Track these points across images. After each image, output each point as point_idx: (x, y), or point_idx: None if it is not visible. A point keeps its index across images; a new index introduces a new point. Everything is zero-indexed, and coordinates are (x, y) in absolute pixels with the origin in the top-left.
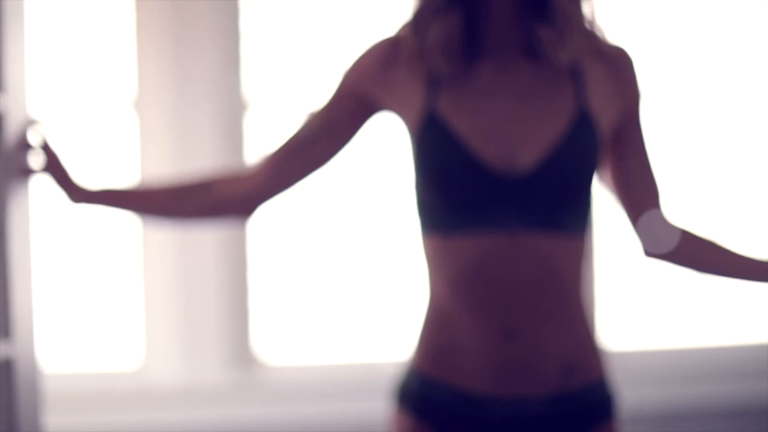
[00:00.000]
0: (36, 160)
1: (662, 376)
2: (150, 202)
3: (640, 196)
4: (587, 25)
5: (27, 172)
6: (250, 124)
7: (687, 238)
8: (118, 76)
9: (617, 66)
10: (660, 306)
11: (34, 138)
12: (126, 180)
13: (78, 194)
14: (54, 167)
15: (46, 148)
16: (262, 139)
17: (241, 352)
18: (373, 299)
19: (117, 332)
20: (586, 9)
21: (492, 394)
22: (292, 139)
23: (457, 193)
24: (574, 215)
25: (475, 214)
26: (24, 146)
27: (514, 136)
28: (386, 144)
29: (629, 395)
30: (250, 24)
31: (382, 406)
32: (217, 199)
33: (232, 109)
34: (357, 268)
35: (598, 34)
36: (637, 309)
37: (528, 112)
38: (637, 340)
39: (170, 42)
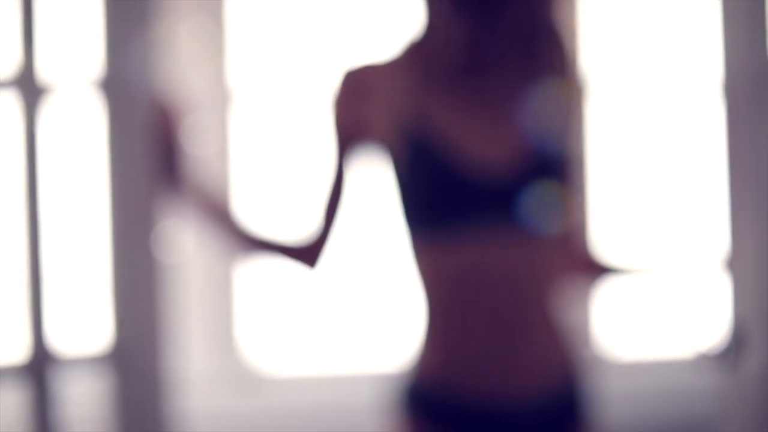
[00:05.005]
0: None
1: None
2: (237, 234)
3: None
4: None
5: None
6: (235, 114)
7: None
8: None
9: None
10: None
11: (166, 119)
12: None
13: (181, 194)
14: (171, 152)
15: (171, 129)
16: (247, 130)
17: (228, 356)
18: (365, 308)
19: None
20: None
21: (491, 394)
22: (329, 200)
23: (447, 198)
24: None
25: (464, 218)
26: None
27: (497, 143)
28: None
29: (626, 407)
30: (234, 14)
31: (377, 414)
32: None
33: (217, 99)
34: (347, 278)
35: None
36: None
37: (505, 119)
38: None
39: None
